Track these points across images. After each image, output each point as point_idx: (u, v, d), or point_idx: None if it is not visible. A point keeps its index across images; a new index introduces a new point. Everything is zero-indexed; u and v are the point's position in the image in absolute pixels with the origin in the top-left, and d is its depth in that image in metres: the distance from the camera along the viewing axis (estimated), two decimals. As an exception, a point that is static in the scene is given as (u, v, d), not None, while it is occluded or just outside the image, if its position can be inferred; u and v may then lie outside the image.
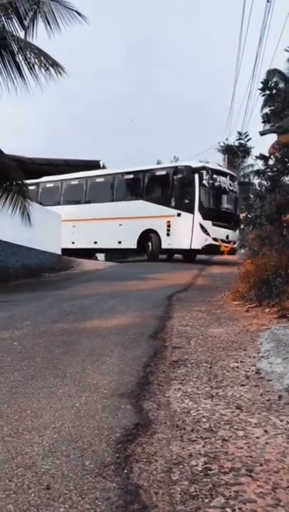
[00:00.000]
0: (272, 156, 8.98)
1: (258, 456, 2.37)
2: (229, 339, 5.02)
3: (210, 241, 16.50)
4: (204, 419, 2.85)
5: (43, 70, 10.29)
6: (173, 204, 17.27)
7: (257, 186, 10.38)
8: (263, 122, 9.80)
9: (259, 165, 9.29)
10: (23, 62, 10.40)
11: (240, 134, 9.11)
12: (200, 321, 6.08)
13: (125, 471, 2.19)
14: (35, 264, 15.13)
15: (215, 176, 16.92)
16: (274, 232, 8.91)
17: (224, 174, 17.49)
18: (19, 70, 10.46)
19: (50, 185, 21.41)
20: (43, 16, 10.71)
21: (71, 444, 2.46)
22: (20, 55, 10.40)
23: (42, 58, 10.35)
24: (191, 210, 16.68)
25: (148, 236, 17.88)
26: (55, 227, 17.67)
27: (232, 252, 17.15)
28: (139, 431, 2.64)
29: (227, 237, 16.82)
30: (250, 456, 2.36)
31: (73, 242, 19.50)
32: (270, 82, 9.62)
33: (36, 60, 10.29)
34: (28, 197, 11.36)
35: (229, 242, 16.91)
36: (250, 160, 10.66)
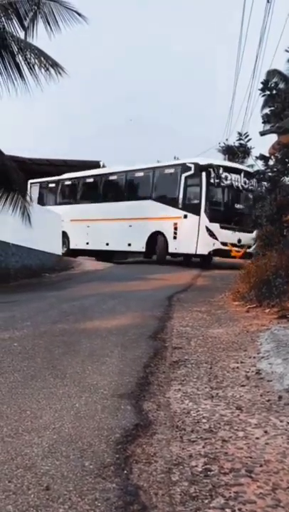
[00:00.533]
0: (272, 157, 8.99)
1: (257, 456, 2.37)
2: (229, 340, 5.01)
3: (218, 245, 15.09)
4: (204, 420, 2.85)
5: (43, 70, 10.30)
6: (180, 205, 15.96)
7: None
8: (263, 122, 9.83)
9: (259, 165, 9.31)
10: (23, 63, 10.41)
11: (240, 134, 9.15)
12: (200, 321, 6.08)
13: (125, 471, 2.19)
14: (35, 264, 15.13)
15: (225, 173, 15.47)
16: (274, 233, 8.92)
17: (237, 171, 15.80)
18: (19, 71, 10.46)
19: (68, 182, 20.93)
20: (43, 16, 10.71)
21: (71, 444, 2.46)
22: (20, 56, 10.41)
23: (42, 59, 10.35)
24: (197, 212, 15.28)
25: (156, 239, 16.64)
26: (55, 228, 17.67)
27: (247, 256, 14.86)
28: (138, 432, 2.64)
29: (239, 240, 15.18)
30: (250, 457, 2.36)
31: (87, 243, 18.96)
32: (270, 83, 9.67)
33: (36, 61, 10.30)
34: (28, 197, 11.37)
35: (242, 246, 15.17)
36: (250, 160, 10.67)
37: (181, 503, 1.96)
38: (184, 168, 16.08)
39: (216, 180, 15.23)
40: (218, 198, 15.61)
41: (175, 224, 15.96)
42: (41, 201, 21.24)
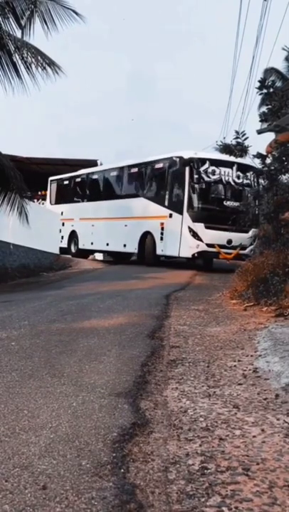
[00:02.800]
0: (269, 155, 8.99)
1: (254, 455, 2.37)
2: (227, 338, 5.02)
3: (202, 247, 13.64)
4: (201, 419, 2.85)
5: (40, 69, 10.30)
6: (166, 203, 14.67)
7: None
8: (260, 121, 9.83)
9: (256, 164, 9.32)
10: (20, 62, 10.42)
11: (237, 132, 9.14)
12: (198, 320, 6.08)
13: (122, 470, 2.19)
14: (33, 263, 15.14)
15: (213, 167, 13.89)
16: (272, 231, 8.93)
17: (228, 165, 13.99)
18: (16, 70, 10.46)
19: (78, 179, 20.05)
20: (40, 15, 10.71)
21: (68, 443, 2.46)
22: (17, 55, 10.41)
23: (39, 57, 10.36)
24: (180, 211, 13.94)
25: (146, 239, 15.48)
26: (52, 227, 17.67)
27: (240, 258, 13.46)
28: (136, 430, 2.64)
29: (229, 241, 13.67)
30: (247, 455, 2.36)
31: (92, 243, 18.17)
32: (267, 81, 9.66)
33: (33, 60, 10.31)
34: (25, 196, 11.37)
35: (234, 247, 13.73)
36: (247, 159, 10.66)
37: (178, 501, 1.97)
38: (171, 162, 14.83)
39: (205, 174, 13.82)
40: (203, 194, 14.01)
41: (162, 224, 14.75)
42: (58, 199, 20.75)
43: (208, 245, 13.60)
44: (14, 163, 11.71)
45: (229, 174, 14.03)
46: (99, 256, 20.56)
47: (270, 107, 9.23)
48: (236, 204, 13.52)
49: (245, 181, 14.18)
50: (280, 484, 2.09)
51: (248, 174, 14.03)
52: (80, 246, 18.86)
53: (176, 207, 14.09)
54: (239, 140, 9.10)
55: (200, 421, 2.82)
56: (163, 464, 2.29)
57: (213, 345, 4.74)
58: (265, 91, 9.13)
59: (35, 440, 2.50)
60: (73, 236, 19.22)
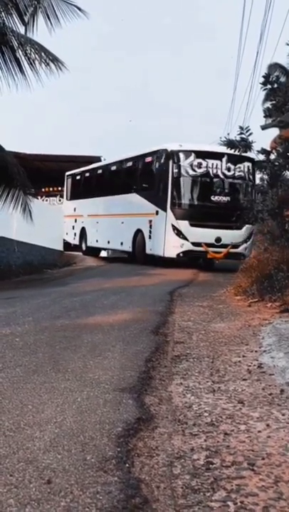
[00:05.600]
0: (273, 151, 8.95)
1: (259, 450, 2.36)
2: (231, 334, 5.01)
3: (188, 247, 12.78)
4: (206, 414, 2.85)
5: (43, 65, 10.27)
6: (153, 199, 13.64)
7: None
8: (264, 116, 9.79)
9: (257, 156, 9.29)
10: (23, 58, 10.38)
11: (241, 128, 9.09)
12: (202, 315, 6.07)
13: (126, 465, 2.19)
14: (37, 260, 15.15)
15: (199, 160, 12.87)
16: (276, 227, 8.90)
17: (217, 156, 12.91)
18: (19, 66, 10.44)
19: (87, 174, 19.16)
20: (43, 11, 10.67)
21: (72, 438, 2.46)
22: (20, 51, 10.38)
23: (42, 54, 10.33)
24: (164, 208, 13.01)
25: (138, 237, 14.53)
26: (56, 223, 17.67)
27: (233, 257, 12.99)
28: (140, 425, 2.63)
29: (218, 239, 12.76)
30: (252, 450, 2.36)
31: (97, 241, 17.49)
32: (271, 76, 9.62)
33: (37, 56, 10.27)
34: (29, 193, 11.36)
35: (224, 245, 12.85)
36: (251, 155, 10.61)
37: (183, 496, 1.96)
38: (157, 155, 13.80)
39: (190, 168, 12.83)
40: (187, 190, 13.09)
41: (150, 222, 13.81)
42: (72, 195, 20.28)
43: (194, 244, 12.77)
44: (17, 160, 11.69)
45: (218, 167, 13.02)
46: (103, 253, 20.23)
47: (274, 102, 9.17)
48: (226, 199, 12.97)
49: (238, 174, 13.23)
50: (286, 479, 2.08)
51: (240, 166, 13.14)
52: (89, 244, 18.34)
53: (161, 204, 13.21)
54: (243, 136, 9.05)
55: (205, 416, 2.81)
56: (168, 458, 2.29)
57: (217, 340, 4.73)
58: (269, 86, 9.08)
59: (40, 435, 2.50)
60: (83, 233, 18.64)
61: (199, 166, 12.88)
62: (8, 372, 3.61)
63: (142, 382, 3.38)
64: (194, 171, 12.87)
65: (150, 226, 13.76)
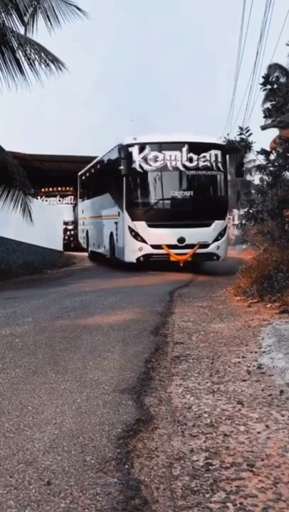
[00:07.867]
0: (273, 151, 8.97)
1: (259, 451, 2.37)
2: (231, 334, 5.01)
3: (147, 250, 11.45)
4: (205, 415, 2.85)
5: (43, 65, 10.27)
6: (116, 199, 12.57)
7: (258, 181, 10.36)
8: (264, 117, 9.80)
9: (260, 160, 9.29)
10: (23, 59, 10.38)
11: (241, 128, 9.11)
12: (201, 316, 6.07)
13: (126, 466, 2.19)
14: (36, 260, 15.15)
15: (155, 152, 11.50)
16: (276, 228, 8.92)
17: (175, 147, 11.56)
18: (19, 66, 10.44)
19: (87, 174, 18.32)
20: (43, 11, 10.67)
21: (72, 439, 2.46)
22: (20, 51, 10.38)
23: (42, 54, 10.32)
24: (122, 208, 11.89)
25: (111, 240, 13.42)
26: (56, 224, 17.65)
27: (207, 258, 11.94)
28: (140, 426, 2.64)
29: (181, 240, 11.37)
30: (252, 451, 2.36)
31: (94, 244, 16.59)
32: (271, 77, 9.65)
33: (36, 56, 10.26)
34: (29, 193, 11.36)
35: (189, 246, 11.48)
36: (251, 155, 10.62)
37: (183, 497, 1.96)
38: (116, 151, 12.45)
39: (145, 163, 11.50)
40: (142, 187, 11.74)
41: (116, 223, 12.67)
42: (81, 195, 19.84)
43: (154, 247, 11.45)
44: (17, 160, 11.68)
45: (177, 158, 11.55)
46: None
47: (274, 102, 9.20)
48: (189, 194, 11.64)
49: (202, 164, 11.64)
50: (285, 480, 2.08)
51: (205, 155, 11.64)
52: (90, 247, 17.47)
53: (120, 204, 12.13)
54: (243, 136, 9.07)
55: (204, 417, 2.82)
56: (167, 459, 2.29)
57: (217, 341, 4.73)
58: (269, 87, 9.10)
59: (40, 436, 2.50)
60: (87, 236, 17.87)
61: (155, 159, 11.52)
62: (7, 373, 3.62)
63: (142, 383, 3.38)
64: (149, 165, 11.53)
65: (116, 228, 12.73)
